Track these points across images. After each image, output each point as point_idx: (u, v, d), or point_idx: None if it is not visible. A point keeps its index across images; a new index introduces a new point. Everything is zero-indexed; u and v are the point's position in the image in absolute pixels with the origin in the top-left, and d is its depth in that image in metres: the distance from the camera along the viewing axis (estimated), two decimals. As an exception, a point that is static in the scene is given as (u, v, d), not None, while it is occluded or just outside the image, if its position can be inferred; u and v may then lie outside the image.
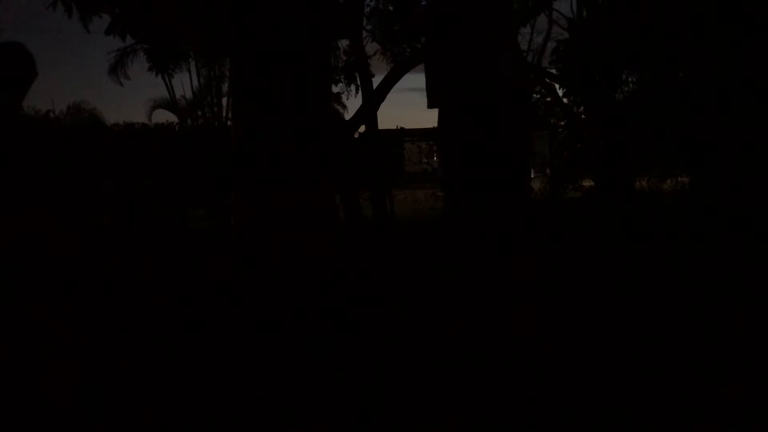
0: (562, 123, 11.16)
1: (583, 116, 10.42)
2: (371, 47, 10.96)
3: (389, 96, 10.66)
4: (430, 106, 4.32)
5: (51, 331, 2.62)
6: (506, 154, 4.01)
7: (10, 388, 2.71)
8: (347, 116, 14.50)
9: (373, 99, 10.18)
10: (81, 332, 3.22)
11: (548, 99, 11.37)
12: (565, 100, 10.99)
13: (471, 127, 3.97)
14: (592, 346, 3.60)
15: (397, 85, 10.23)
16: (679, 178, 10.08)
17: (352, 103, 62.53)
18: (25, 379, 2.94)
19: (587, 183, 10.26)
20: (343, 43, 11.31)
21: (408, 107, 57.81)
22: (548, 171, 11.97)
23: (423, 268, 5.80)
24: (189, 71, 19.78)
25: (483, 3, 3.95)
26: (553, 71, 10.96)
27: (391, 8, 10.17)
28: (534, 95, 10.62)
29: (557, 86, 11.19)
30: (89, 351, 3.51)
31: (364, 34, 10.64)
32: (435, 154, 12.10)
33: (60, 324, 2.59)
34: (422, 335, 3.85)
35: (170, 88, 19.89)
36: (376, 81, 10.40)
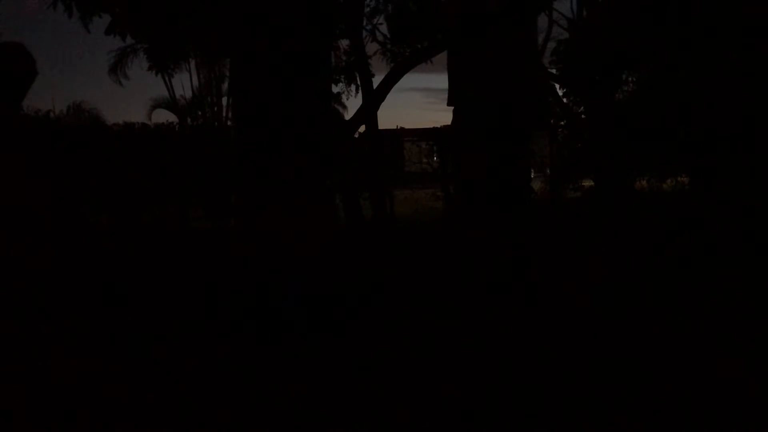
0: (562, 123, 11.16)
1: (583, 116, 10.43)
2: (371, 47, 10.97)
3: (389, 96, 10.67)
4: (450, 103, 4.38)
5: (51, 331, 2.62)
6: (517, 153, 4.07)
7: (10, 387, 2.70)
8: (347, 116, 14.52)
9: (373, 99, 10.19)
10: (79, 332, 3.22)
11: (548, 99, 11.37)
12: (565, 100, 11.00)
13: (489, 126, 4.00)
14: (588, 346, 3.60)
15: (397, 85, 10.24)
16: (679, 178, 10.08)
17: (352, 103, 62.49)
18: (25, 379, 2.94)
19: (587, 183, 10.26)
20: (343, 43, 11.32)
21: (408, 107, 57.69)
22: (548, 171, 11.98)
23: (425, 268, 5.80)
24: (189, 71, 19.83)
25: (511, 5, 3.97)
26: (553, 71, 10.97)
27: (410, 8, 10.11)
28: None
29: (557, 86, 11.20)
30: (87, 351, 3.51)
31: (364, 34, 10.64)
32: (435, 154, 12.09)
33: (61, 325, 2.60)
34: (422, 335, 3.85)
35: (170, 88, 19.92)
36: (376, 81, 10.42)
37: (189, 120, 19.32)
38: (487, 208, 4.08)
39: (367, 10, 10.53)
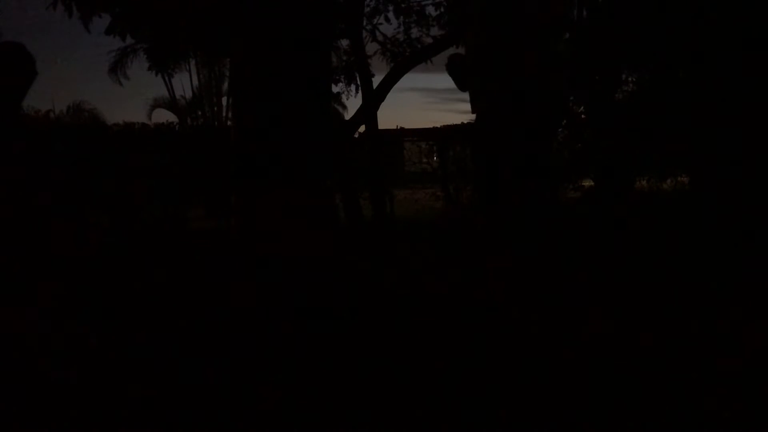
0: (563, 123, 11.16)
1: (583, 116, 10.44)
2: (371, 47, 10.98)
3: (389, 96, 10.67)
4: (474, 111, 4.39)
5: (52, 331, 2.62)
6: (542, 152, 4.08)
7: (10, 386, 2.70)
8: (347, 116, 14.52)
9: (373, 99, 10.19)
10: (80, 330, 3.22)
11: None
12: (565, 100, 10.98)
13: (517, 128, 4.01)
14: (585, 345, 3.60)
15: (397, 85, 10.25)
16: (679, 178, 10.10)
17: (352, 103, 62.48)
18: (25, 377, 2.94)
19: (587, 183, 10.27)
20: (343, 43, 11.32)
21: (408, 107, 57.65)
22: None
23: (427, 268, 5.81)
24: (189, 71, 19.84)
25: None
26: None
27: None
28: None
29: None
30: (87, 349, 3.51)
31: (364, 34, 10.65)
32: (435, 154, 12.11)
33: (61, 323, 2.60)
34: (422, 336, 3.85)
35: (170, 88, 19.92)
36: (376, 81, 10.42)
37: (189, 120, 19.32)
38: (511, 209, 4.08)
39: (367, 10, 10.53)
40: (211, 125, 18.37)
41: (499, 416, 2.73)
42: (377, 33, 10.96)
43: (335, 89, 11.85)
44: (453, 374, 3.19)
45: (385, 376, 3.20)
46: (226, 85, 18.36)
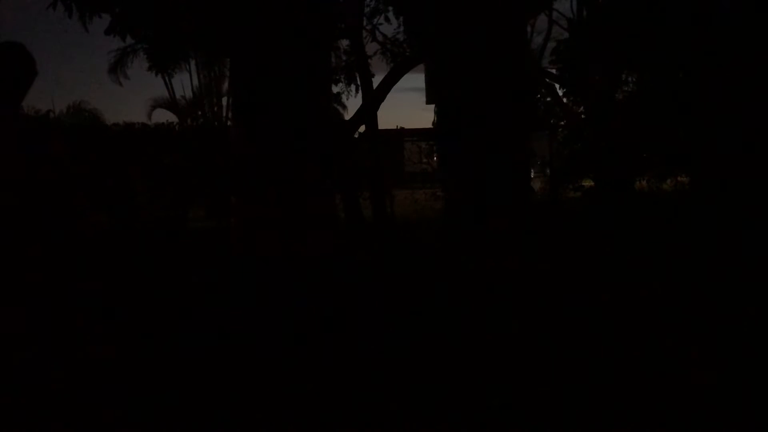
0: (562, 123, 11.17)
1: (583, 116, 10.44)
2: (371, 47, 10.97)
3: (389, 96, 10.66)
4: (429, 101, 4.35)
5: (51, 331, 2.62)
6: (507, 153, 4.02)
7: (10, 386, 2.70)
8: (347, 116, 14.51)
9: (373, 99, 10.18)
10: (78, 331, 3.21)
11: (548, 99, 11.37)
12: (565, 100, 11.00)
13: (472, 125, 3.96)
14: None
15: (397, 85, 10.24)
16: (679, 178, 10.10)
17: (352, 103, 62.46)
18: (25, 376, 2.93)
19: (587, 183, 10.27)
20: (343, 43, 11.31)
21: (408, 107, 57.66)
22: (548, 171, 11.98)
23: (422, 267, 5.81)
24: (189, 71, 19.83)
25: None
26: (553, 71, 10.96)
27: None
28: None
29: (557, 86, 11.19)
30: (87, 349, 3.51)
31: (364, 34, 10.64)
32: (435, 154, 12.09)
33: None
34: (420, 335, 3.85)
35: (170, 88, 19.94)
36: (376, 81, 10.40)
37: (189, 120, 19.33)
38: (472, 209, 4.06)
39: (367, 10, 10.53)
40: (211, 125, 18.36)
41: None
42: (377, 33, 10.97)
43: (335, 89, 11.85)
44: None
45: (381, 381, 3.20)
46: (226, 85, 18.36)
